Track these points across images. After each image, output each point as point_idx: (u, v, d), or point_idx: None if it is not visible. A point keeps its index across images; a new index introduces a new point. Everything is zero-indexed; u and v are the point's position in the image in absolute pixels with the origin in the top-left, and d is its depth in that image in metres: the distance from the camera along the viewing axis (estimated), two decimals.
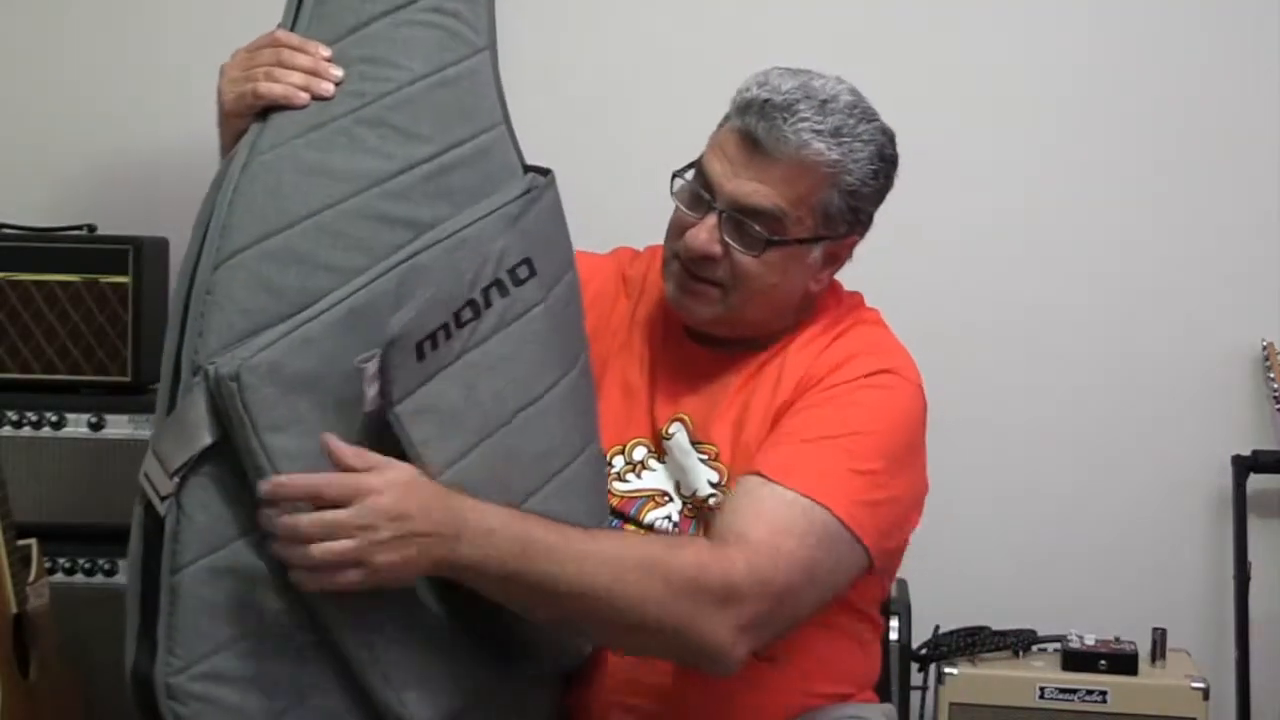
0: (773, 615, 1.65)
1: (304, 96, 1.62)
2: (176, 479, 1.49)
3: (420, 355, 1.52)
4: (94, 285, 2.79)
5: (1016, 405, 2.97)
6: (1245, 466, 2.88)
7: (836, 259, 1.87)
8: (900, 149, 2.97)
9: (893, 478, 1.76)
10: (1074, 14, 2.98)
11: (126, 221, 2.90)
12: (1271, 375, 2.86)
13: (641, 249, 2.02)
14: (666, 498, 1.82)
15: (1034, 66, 2.99)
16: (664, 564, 1.58)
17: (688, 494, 1.81)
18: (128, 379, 2.79)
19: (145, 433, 2.73)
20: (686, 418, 1.84)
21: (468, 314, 1.58)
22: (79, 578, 2.72)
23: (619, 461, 1.84)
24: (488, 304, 1.60)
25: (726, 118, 1.82)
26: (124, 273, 2.79)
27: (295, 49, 1.65)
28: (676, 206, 1.83)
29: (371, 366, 1.49)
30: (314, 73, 1.63)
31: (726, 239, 1.77)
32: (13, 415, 2.72)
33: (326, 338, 1.53)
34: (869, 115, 1.82)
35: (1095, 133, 2.98)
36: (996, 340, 2.98)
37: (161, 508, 1.51)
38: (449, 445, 1.57)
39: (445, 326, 1.55)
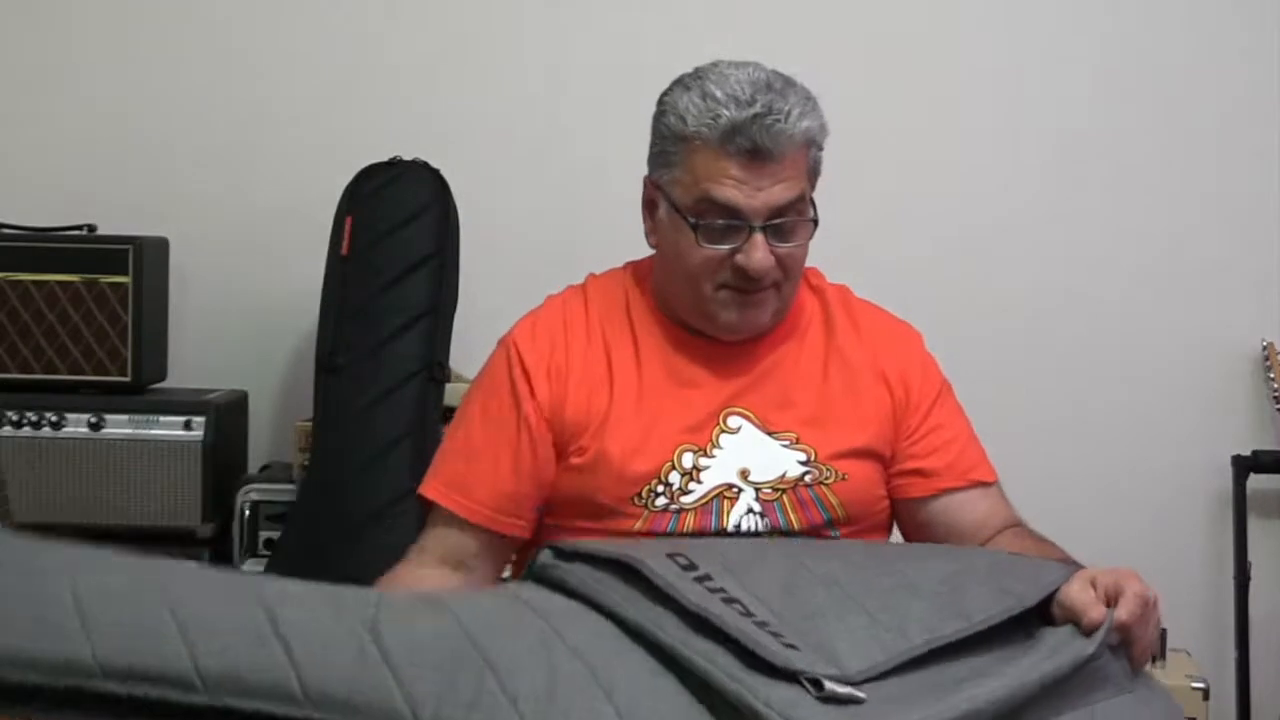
0: None
1: None
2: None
3: None
4: (94, 285, 2.80)
5: (1016, 405, 2.97)
6: (1245, 466, 2.88)
7: None
8: (903, 149, 3.02)
9: None
10: (1077, 13, 2.98)
11: (126, 221, 2.90)
12: (1271, 375, 2.86)
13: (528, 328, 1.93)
14: (735, 490, 1.84)
15: (1035, 67, 2.99)
16: None
17: (763, 479, 1.83)
18: (128, 379, 2.80)
19: (145, 432, 2.75)
20: (747, 412, 1.86)
21: None
22: None
23: (675, 477, 1.84)
24: None
25: (686, 144, 1.81)
26: (124, 273, 2.80)
27: None
28: (703, 251, 1.82)
29: None
30: None
31: (774, 245, 1.82)
32: (13, 415, 2.73)
33: None
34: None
35: (1095, 133, 2.98)
36: (997, 340, 2.98)
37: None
38: None
39: None
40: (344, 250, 2.76)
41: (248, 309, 3.05)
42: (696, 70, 1.86)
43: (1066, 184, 2.99)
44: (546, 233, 2.99)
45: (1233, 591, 2.85)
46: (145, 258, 2.83)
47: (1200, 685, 2.61)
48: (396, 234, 2.77)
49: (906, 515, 1.93)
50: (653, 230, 1.90)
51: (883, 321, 1.98)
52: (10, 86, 3.07)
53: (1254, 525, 2.90)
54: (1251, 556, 2.86)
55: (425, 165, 2.83)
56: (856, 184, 2.98)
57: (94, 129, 3.07)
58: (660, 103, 1.87)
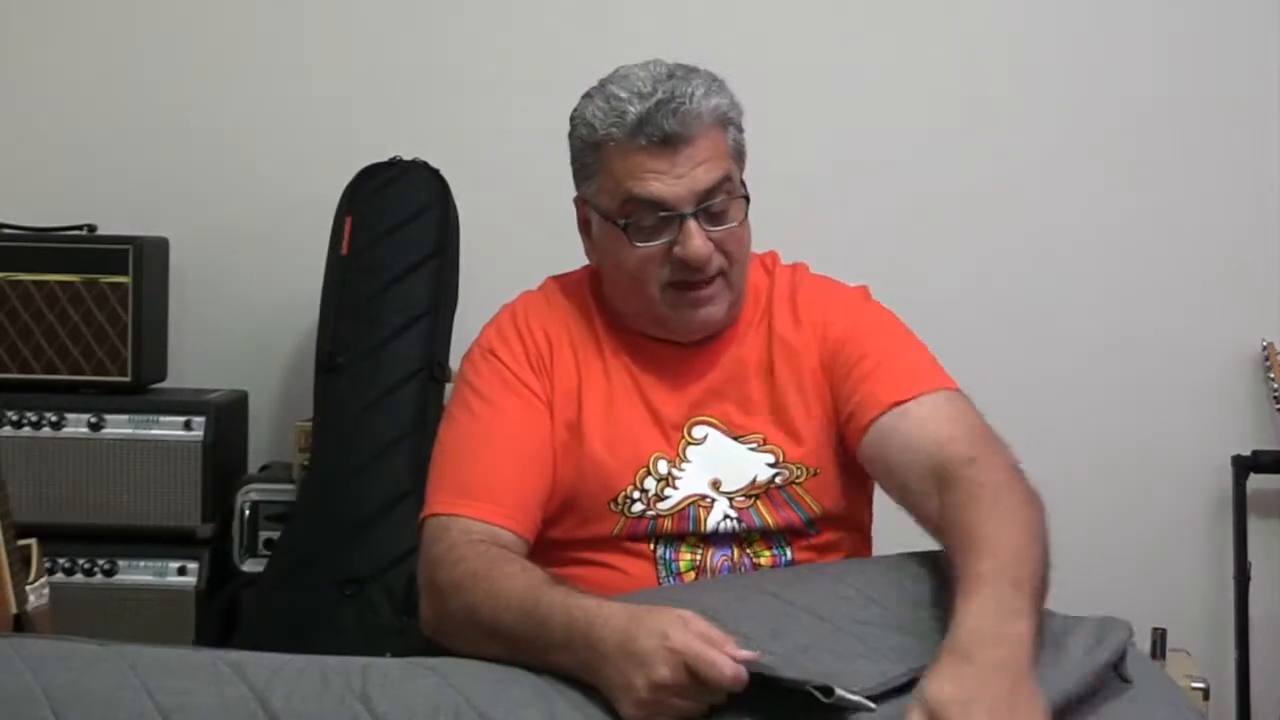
0: None
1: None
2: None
3: None
4: (94, 285, 2.80)
5: (1016, 405, 2.94)
6: (1245, 466, 2.88)
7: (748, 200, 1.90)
8: (903, 150, 3.02)
9: None
10: (1075, 10, 2.98)
11: (126, 221, 2.90)
12: (1271, 375, 2.86)
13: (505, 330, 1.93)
14: (709, 500, 1.82)
15: (1034, 64, 2.99)
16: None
17: (734, 488, 1.82)
18: (127, 379, 2.80)
19: (145, 432, 2.75)
20: (712, 419, 1.85)
21: None
22: (79, 578, 2.72)
23: (650, 483, 1.84)
24: None
25: (601, 150, 1.80)
26: (124, 273, 2.80)
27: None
28: (639, 251, 1.80)
29: None
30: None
31: (709, 230, 1.79)
32: (13, 415, 2.73)
33: None
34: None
35: (1094, 132, 2.98)
36: (997, 339, 2.98)
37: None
38: None
39: None
40: (344, 250, 2.76)
41: (248, 309, 3.05)
42: (600, 80, 1.85)
43: (1066, 184, 2.99)
44: (546, 233, 2.97)
45: (1233, 591, 2.85)
46: (145, 258, 2.83)
47: (1200, 685, 2.61)
48: (396, 234, 2.77)
49: (863, 466, 1.83)
50: (592, 249, 1.89)
51: (821, 296, 1.91)
52: (10, 86, 3.08)
53: (1254, 525, 2.89)
54: (1251, 556, 2.86)
55: (425, 165, 2.83)
56: (856, 185, 2.99)
57: (94, 129, 3.07)
58: (570, 119, 1.85)
